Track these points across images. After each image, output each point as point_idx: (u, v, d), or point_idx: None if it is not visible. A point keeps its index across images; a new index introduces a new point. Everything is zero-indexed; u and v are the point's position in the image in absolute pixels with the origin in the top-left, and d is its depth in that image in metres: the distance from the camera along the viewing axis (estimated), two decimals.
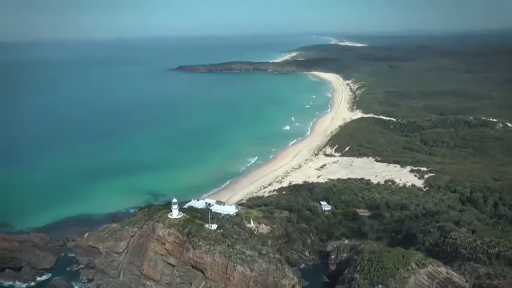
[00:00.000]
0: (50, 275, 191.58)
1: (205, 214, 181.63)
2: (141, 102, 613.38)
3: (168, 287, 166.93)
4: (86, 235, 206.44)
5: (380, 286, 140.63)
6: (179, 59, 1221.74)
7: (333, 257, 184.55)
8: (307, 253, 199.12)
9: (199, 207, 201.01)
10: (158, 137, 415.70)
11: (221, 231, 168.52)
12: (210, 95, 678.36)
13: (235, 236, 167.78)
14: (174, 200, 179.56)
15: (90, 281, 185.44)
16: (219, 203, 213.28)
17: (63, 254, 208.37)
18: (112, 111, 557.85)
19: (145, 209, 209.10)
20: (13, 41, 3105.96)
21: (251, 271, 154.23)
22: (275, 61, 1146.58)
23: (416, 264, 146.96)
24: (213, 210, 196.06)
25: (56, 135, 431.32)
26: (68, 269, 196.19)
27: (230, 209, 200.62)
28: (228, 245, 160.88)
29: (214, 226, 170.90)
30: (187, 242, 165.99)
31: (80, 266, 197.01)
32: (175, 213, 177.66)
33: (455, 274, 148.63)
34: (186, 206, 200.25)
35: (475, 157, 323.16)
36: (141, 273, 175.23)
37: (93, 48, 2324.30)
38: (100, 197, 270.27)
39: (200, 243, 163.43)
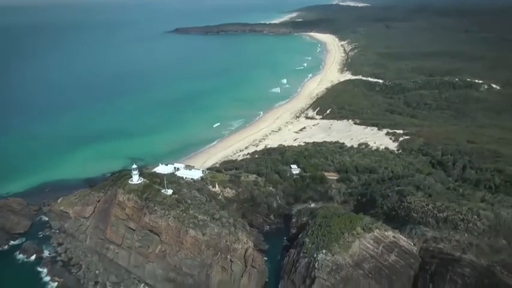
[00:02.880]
0: (23, 239, 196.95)
1: (169, 178, 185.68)
2: (132, 68, 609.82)
3: (129, 251, 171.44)
4: (59, 200, 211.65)
5: (324, 251, 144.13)
6: (176, 22, 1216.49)
7: (294, 220, 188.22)
8: (272, 216, 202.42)
9: (166, 172, 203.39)
10: (144, 102, 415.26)
11: (176, 196, 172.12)
12: (203, 57, 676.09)
13: (189, 201, 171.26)
14: (134, 166, 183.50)
15: (60, 244, 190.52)
16: (187, 167, 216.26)
17: (38, 219, 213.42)
18: (100, 77, 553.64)
19: (116, 174, 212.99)
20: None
21: (203, 235, 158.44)
22: (272, 22, 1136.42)
23: (363, 228, 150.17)
24: (177, 175, 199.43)
25: (38, 101, 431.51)
26: (40, 233, 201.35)
27: (195, 174, 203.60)
28: (181, 210, 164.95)
29: (169, 191, 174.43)
30: (145, 207, 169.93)
31: (52, 231, 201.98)
32: (135, 179, 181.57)
33: (402, 238, 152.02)
34: (153, 171, 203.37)
35: (456, 119, 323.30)
36: (105, 237, 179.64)
37: (93, 11, 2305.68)
38: (81, 162, 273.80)
39: (156, 208, 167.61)
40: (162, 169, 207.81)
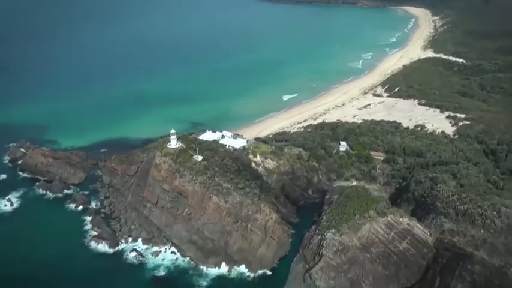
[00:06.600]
0: (77, 189, 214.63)
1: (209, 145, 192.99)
2: (212, 35, 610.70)
3: (162, 210, 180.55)
4: (113, 157, 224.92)
5: (333, 230, 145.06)
6: None
7: (327, 197, 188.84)
8: (310, 191, 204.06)
9: (211, 138, 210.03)
10: (221, 70, 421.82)
11: (205, 163, 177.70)
12: (290, 28, 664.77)
13: (216, 168, 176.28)
14: (173, 131, 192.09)
15: (106, 198, 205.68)
16: (235, 136, 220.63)
17: (93, 172, 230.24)
18: (178, 43, 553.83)
19: (166, 138, 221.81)
20: None
21: (225, 202, 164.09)
22: None
23: (377, 212, 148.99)
24: (220, 143, 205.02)
25: (111, 64, 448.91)
26: (92, 186, 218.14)
27: (238, 143, 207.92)
28: (208, 177, 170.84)
29: (200, 158, 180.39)
30: (177, 170, 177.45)
31: (102, 185, 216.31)
32: (173, 143, 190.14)
33: (418, 226, 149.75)
34: (199, 137, 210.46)
35: None
36: (143, 195, 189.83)
37: None
38: (145, 124, 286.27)
39: (185, 172, 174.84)
40: (208, 136, 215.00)
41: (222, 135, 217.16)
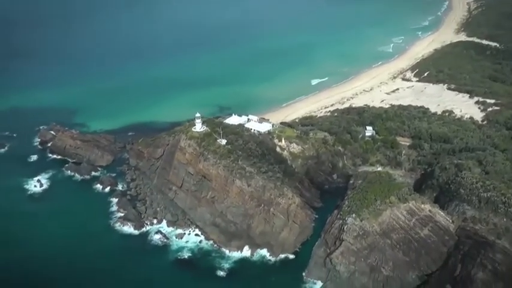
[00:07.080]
0: (105, 171, 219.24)
1: (234, 129, 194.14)
2: (242, 18, 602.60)
3: (187, 193, 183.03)
4: (140, 140, 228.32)
5: (354, 215, 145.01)
6: None
7: (351, 182, 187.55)
8: (335, 176, 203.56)
9: (236, 122, 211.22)
10: (246, 53, 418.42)
11: (228, 146, 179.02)
12: (318, 11, 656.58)
13: (240, 152, 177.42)
14: (198, 115, 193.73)
15: (132, 180, 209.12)
16: (261, 120, 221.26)
17: (120, 155, 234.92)
18: (209, 27, 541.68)
19: (191, 121, 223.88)
20: None
21: (248, 186, 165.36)
22: None
23: (398, 198, 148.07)
24: (245, 126, 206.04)
25: (145, 47, 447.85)
26: (119, 168, 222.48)
27: (263, 127, 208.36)
28: (231, 160, 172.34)
29: (224, 141, 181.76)
30: (201, 154, 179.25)
31: (129, 167, 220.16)
32: (198, 127, 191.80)
33: (440, 213, 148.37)
34: (226, 121, 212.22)
35: None
36: (168, 178, 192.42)
37: None
38: (173, 108, 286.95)
39: (209, 156, 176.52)
40: (234, 120, 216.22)
41: (248, 119, 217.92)
